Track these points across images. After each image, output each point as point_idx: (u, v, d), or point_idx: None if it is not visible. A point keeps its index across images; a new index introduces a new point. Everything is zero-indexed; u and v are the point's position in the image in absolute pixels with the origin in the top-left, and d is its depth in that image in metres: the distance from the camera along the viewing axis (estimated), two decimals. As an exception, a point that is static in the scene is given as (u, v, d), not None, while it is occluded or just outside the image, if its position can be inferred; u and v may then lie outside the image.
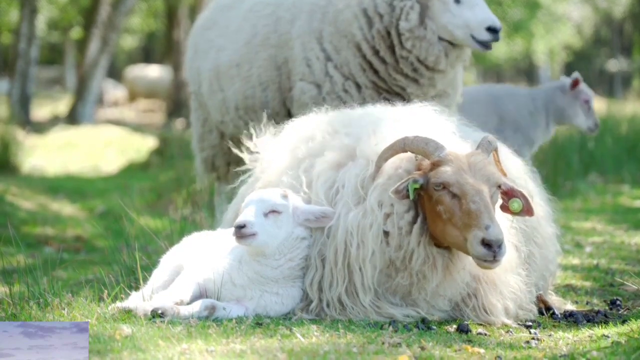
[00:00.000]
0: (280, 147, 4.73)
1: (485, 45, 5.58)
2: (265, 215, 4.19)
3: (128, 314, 4.08)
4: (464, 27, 5.54)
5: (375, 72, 5.76)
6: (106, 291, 4.54)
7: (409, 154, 4.25)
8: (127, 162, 16.99)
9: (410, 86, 5.75)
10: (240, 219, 4.14)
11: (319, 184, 4.38)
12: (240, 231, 4.11)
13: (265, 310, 4.24)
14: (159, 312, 4.02)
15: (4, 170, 14.54)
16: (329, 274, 4.28)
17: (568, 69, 35.32)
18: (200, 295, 4.24)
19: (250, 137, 5.10)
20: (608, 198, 10.05)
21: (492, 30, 5.52)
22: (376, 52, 5.72)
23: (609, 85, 33.69)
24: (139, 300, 4.25)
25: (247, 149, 5.10)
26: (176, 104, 26.09)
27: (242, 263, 4.25)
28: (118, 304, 4.21)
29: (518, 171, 4.79)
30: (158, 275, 4.48)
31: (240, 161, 6.99)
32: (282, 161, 4.61)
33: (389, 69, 5.72)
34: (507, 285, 4.40)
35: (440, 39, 5.63)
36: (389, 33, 5.68)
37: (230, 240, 4.24)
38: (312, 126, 4.71)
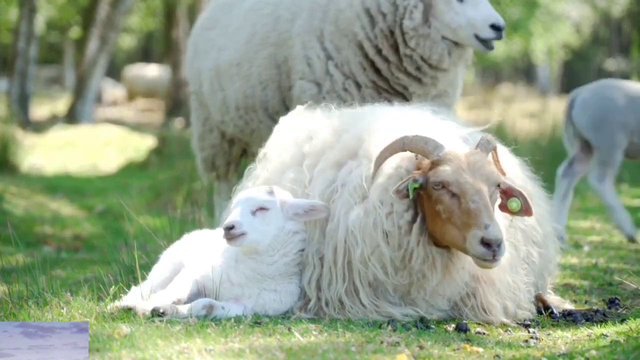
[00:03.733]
0: (281, 145, 4.74)
1: (487, 44, 5.58)
2: (253, 213, 4.20)
3: (127, 313, 4.08)
4: (467, 25, 5.54)
5: (377, 71, 5.76)
6: (105, 290, 4.54)
7: (408, 153, 4.26)
8: (126, 161, 16.98)
9: (412, 85, 5.75)
10: (228, 221, 4.16)
11: (318, 182, 4.39)
12: (230, 232, 4.12)
13: (264, 308, 4.24)
14: (160, 311, 4.02)
15: (3, 170, 14.52)
16: (327, 272, 4.29)
17: (566, 68, 35.30)
18: (198, 293, 4.25)
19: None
20: (607, 197, 10.04)
21: (496, 27, 5.53)
22: (379, 51, 5.72)
23: (608, 85, 33.56)
24: (138, 299, 4.25)
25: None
26: (175, 103, 26.07)
27: (238, 262, 4.26)
28: (117, 303, 4.21)
29: (517, 171, 4.79)
30: (158, 272, 4.49)
31: (240, 161, 7.03)
32: (283, 159, 4.61)
33: (391, 68, 5.72)
34: (506, 285, 4.41)
35: (444, 37, 5.64)
36: (392, 32, 5.67)
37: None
38: (313, 124, 4.72)
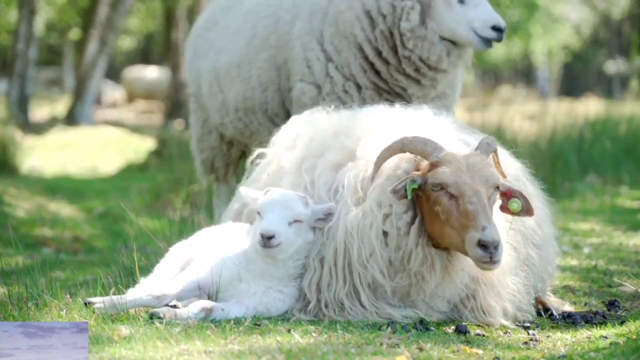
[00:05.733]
0: (280, 148, 4.74)
1: (487, 43, 5.59)
2: (290, 224, 4.20)
3: (127, 315, 4.08)
4: (468, 26, 5.55)
5: (377, 72, 5.76)
6: (110, 292, 4.53)
7: (408, 154, 4.26)
8: (125, 163, 16.98)
9: (411, 87, 5.75)
10: (269, 229, 4.13)
11: (320, 184, 4.39)
12: (270, 242, 4.12)
13: (267, 307, 4.24)
14: (160, 315, 4.02)
15: (3, 171, 14.53)
16: (327, 274, 4.29)
17: (566, 70, 35.32)
18: (196, 291, 4.22)
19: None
20: (606, 199, 10.05)
21: (497, 29, 5.54)
22: (379, 53, 5.72)
23: (607, 86, 33.74)
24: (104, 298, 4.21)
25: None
26: (174, 105, 26.06)
27: (248, 260, 4.25)
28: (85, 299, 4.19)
29: (517, 173, 4.79)
30: (166, 268, 4.47)
31: (239, 163, 7.03)
32: (283, 161, 4.61)
33: (391, 70, 5.73)
34: (506, 287, 4.41)
35: (442, 38, 5.64)
36: (391, 33, 5.68)
37: (236, 235, 4.25)
38: (312, 127, 4.72)
